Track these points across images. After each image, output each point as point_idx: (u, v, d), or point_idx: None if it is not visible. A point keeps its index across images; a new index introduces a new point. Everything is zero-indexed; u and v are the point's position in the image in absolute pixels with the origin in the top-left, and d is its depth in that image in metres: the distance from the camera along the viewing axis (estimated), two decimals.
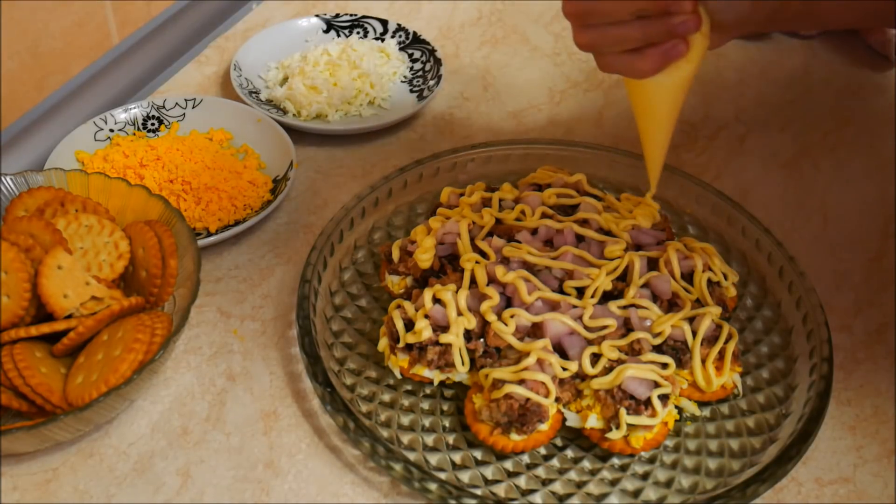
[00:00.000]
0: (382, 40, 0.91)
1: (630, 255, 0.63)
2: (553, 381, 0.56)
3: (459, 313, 0.59)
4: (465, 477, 0.56)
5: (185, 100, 0.81)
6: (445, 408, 0.60)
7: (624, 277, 0.63)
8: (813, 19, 0.66)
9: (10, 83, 0.74)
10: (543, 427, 0.56)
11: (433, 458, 0.57)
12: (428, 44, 0.90)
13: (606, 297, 0.62)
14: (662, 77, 0.58)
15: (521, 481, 0.56)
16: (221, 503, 0.55)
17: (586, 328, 0.59)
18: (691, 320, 0.60)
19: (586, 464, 0.58)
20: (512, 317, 0.58)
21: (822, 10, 0.63)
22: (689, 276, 0.63)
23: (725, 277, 0.65)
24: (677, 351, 0.59)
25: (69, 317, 0.57)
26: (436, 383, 0.60)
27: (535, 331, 0.59)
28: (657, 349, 0.59)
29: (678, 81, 0.58)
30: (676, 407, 0.59)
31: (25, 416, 0.56)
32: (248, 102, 0.81)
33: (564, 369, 0.57)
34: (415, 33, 0.91)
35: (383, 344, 0.60)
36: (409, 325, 0.59)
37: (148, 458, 0.57)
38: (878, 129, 0.87)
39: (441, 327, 0.59)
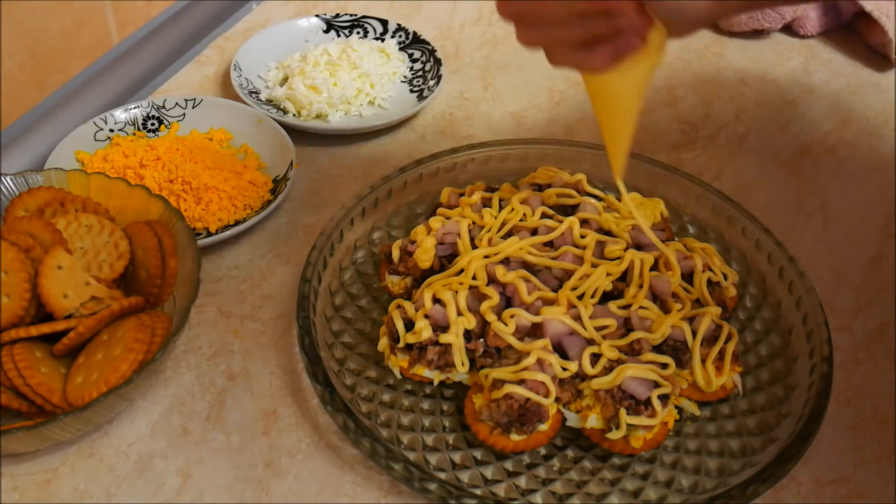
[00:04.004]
0: (382, 40, 0.91)
1: (631, 253, 0.63)
2: (553, 381, 0.56)
3: (459, 313, 0.59)
4: (465, 477, 0.56)
5: (185, 100, 0.81)
6: (445, 408, 0.60)
7: (624, 278, 0.63)
8: None
9: (10, 83, 0.74)
10: (543, 427, 0.56)
11: (433, 458, 0.57)
12: (428, 44, 0.90)
13: (606, 297, 0.62)
14: (620, 73, 0.53)
15: (521, 481, 0.56)
16: (221, 503, 0.55)
17: (586, 328, 0.59)
18: (691, 320, 0.60)
19: (586, 464, 0.58)
20: (512, 317, 0.58)
21: None
22: (689, 277, 0.63)
23: (725, 277, 0.65)
24: (677, 351, 0.59)
25: (69, 317, 0.57)
26: (436, 383, 0.60)
27: (535, 331, 0.59)
28: (657, 349, 0.59)
29: (637, 78, 0.53)
30: (676, 407, 0.59)
31: (25, 416, 0.56)
32: (248, 102, 0.81)
33: (564, 369, 0.57)
34: (415, 33, 0.91)
35: (383, 344, 0.60)
36: (409, 325, 0.59)
37: (148, 458, 0.57)
38: (878, 128, 0.87)
39: (441, 327, 0.59)
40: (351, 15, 0.93)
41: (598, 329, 0.59)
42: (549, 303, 0.60)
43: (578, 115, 0.87)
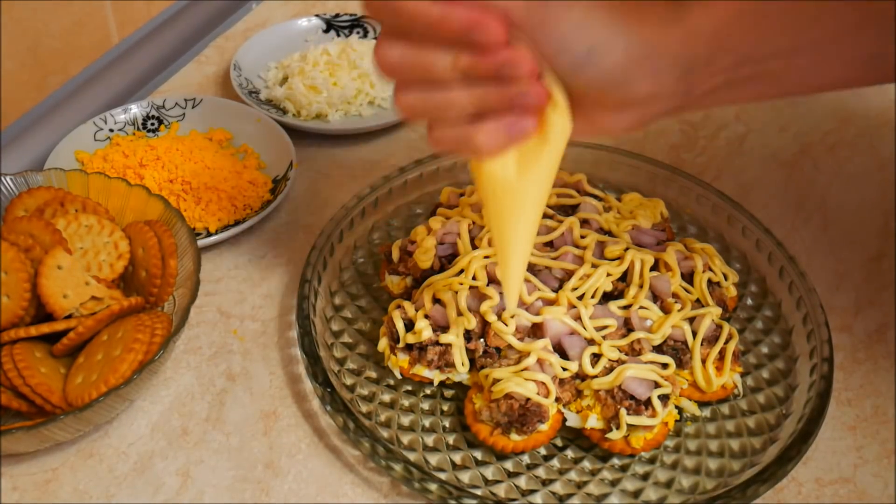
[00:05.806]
0: None
1: (632, 253, 0.63)
2: (553, 381, 0.56)
3: (459, 313, 0.59)
4: (465, 477, 0.56)
5: (185, 100, 0.81)
6: (445, 408, 0.60)
7: (624, 278, 0.63)
8: (767, 85, 0.47)
9: (10, 83, 0.74)
10: (543, 427, 0.56)
11: (433, 459, 0.57)
12: None
13: (607, 297, 0.62)
14: (516, 163, 0.45)
15: (522, 481, 0.56)
16: (221, 503, 0.55)
17: (586, 328, 0.59)
18: (691, 320, 0.60)
19: (586, 464, 0.58)
20: (512, 317, 0.58)
21: (784, 70, 0.46)
22: (689, 277, 0.63)
23: (725, 278, 0.65)
24: (677, 351, 0.59)
25: (69, 317, 0.57)
26: (436, 383, 0.60)
27: (536, 331, 0.59)
28: (657, 349, 0.59)
29: (537, 172, 0.45)
30: (677, 407, 0.59)
31: (25, 416, 0.56)
32: (248, 102, 0.81)
33: (564, 369, 0.57)
34: None
35: (383, 344, 0.60)
36: (409, 325, 0.59)
37: (148, 458, 0.57)
38: (878, 129, 0.87)
39: (441, 327, 0.59)
40: (351, 15, 0.93)
41: (599, 329, 0.59)
42: (550, 303, 0.60)
43: None
